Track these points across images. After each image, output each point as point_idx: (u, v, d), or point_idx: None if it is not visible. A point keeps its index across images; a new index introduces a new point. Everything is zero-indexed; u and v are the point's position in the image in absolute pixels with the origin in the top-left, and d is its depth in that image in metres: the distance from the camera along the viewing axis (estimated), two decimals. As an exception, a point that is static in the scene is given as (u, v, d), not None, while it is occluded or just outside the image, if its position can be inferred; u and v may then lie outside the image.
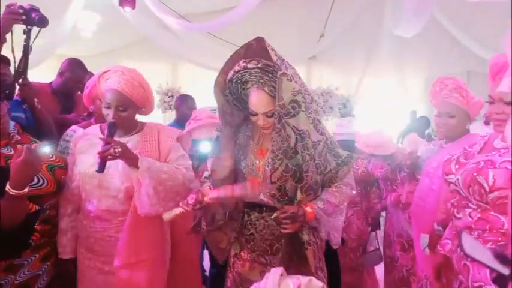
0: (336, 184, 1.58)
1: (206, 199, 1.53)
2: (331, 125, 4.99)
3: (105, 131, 1.63)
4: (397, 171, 2.72)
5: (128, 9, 4.93)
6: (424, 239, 2.01)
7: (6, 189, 1.40)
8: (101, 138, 1.59)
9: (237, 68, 1.51)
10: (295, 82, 1.44)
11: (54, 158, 1.75)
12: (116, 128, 1.64)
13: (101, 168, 1.57)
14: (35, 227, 1.61)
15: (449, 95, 2.06)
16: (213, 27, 5.34)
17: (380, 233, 3.03)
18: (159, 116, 6.43)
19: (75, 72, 2.64)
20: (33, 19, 2.05)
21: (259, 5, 4.74)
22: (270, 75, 1.47)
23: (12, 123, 1.73)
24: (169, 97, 6.07)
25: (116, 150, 1.54)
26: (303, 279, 1.13)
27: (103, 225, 1.68)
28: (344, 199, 1.59)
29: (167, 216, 1.54)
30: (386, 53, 6.13)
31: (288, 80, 1.41)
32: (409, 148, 2.40)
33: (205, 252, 2.70)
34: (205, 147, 2.13)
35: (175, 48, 5.97)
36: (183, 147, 1.83)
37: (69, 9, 5.03)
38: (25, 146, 1.43)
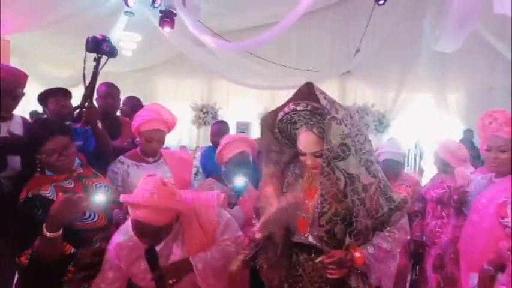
0: (389, 229, 1.51)
1: (257, 235, 1.52)
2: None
3: (148, 265, 1.53)
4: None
5: (167, 29, 5.09)
6: (474, 278, 1.92)
7: (43, 230, 1.49)
8: (152, 279, 1.51)
9: (286, 109, 1.53)
10: (345, 125, 1.43)
11: (109, 191, 1.82)
12: (157, 254, 1.55)
13: None
14: (87, 260, 1.65)
15: (499, 129, 1.97)
16: (249, 46, 5.41)
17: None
18: (193, 132, 6.56)
19: (99, 90, 2.79)
20: (105, 50, 2.21)
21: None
22: (319, 117, 1.47)
23: (77, 161, 1.84)
24: (204, 113, 6.18)
25: (172, 281, 1.50)
26: None
27: None
28: (397, 244, 1.51)
29: (234, 267, 1.54)
30: (425, 68, 5.97)
31: (337, 123, 1.40)
32: (458, 182, 2.29)
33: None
34: (239, 181, 2.17)
35: (211, 65, 6.11)
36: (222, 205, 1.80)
37: (113, 29, 5.27)
38: (64, 196, 1.52)
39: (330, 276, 1.46)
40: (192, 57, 5.95)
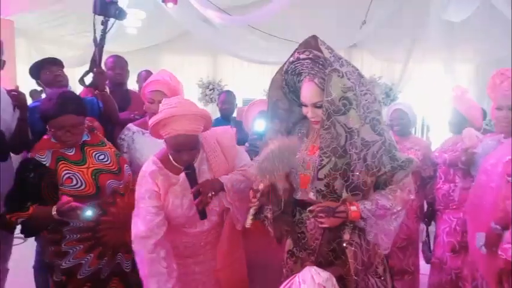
0: (391, 187, 1.52)
1: (260, 186, 1.51)
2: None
3: (188, 181, 1.64)
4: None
5: (170, 5, 5.03)
6: (480, 237, 1.94)
7: (52, 211, 1.63)
8: (192, 192, 1.63)
9: (291, 59, 1.55)
10: (348, 79, 1.42)
11: (109, 162, 1.87)
12: (195, 169, 1.67)
13: (204, 215, 1.67)
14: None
15: (510, 88, 1.96)
16: (253, 19, 5.33)
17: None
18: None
19: (108, 62, 2.85)
20: (114, 12, 2.21)
21: (298, -6, 4.67)
22: (321, 66, 1.47)
23: (85, 136, 1.89)
24: (210, 90, 6.16)
25: (211, 194, 1.63)
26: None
27: (197, 236, 1.76)
28: (398, 203, 1.51)
29: (248, 222, 1.55)
30: (433, 38, 5.82)
31: (338, 76, 1.40)
32: (466, 143, 2.28)
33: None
34: (259, 125, 2.19)
35: (215, 41, 6.03)
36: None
37: (116, 7, 5.21)
38: (60, 204, 1.64)
39: (320, 226, 1.49)
40: (196, 33, 5.88)
